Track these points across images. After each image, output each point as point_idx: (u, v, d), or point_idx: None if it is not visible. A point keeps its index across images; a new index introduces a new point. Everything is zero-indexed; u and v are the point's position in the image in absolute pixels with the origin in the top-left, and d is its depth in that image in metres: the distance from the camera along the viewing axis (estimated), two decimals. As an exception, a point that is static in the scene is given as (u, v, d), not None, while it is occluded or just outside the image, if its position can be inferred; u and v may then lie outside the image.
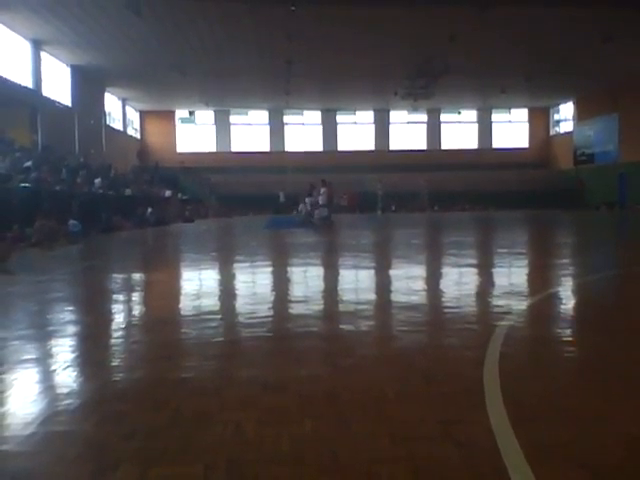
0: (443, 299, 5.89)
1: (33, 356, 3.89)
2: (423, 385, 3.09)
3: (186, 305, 5.94)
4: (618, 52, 26.97)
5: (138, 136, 43.70)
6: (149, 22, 22.10)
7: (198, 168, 41.35)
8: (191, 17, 22.20)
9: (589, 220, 25.98)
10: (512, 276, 7.73)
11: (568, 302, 5.94)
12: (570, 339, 4.24)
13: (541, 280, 7.35)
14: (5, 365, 3.60)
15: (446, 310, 5.23)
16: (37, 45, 25.23)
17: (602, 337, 4.19)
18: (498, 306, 5.29)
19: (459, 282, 7.09)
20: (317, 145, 45.85)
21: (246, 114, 45.12)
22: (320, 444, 2.37)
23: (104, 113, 34.81)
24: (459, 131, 46.72)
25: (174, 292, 7.10)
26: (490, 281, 7.25)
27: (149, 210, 24.39)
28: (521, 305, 5.28)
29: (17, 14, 21.45)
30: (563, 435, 2.41)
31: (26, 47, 24.81)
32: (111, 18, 21.97)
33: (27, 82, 25.04)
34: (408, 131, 46.38)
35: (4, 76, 22.96)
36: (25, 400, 2.99)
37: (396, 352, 3.86)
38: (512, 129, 47.22)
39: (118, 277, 8.39)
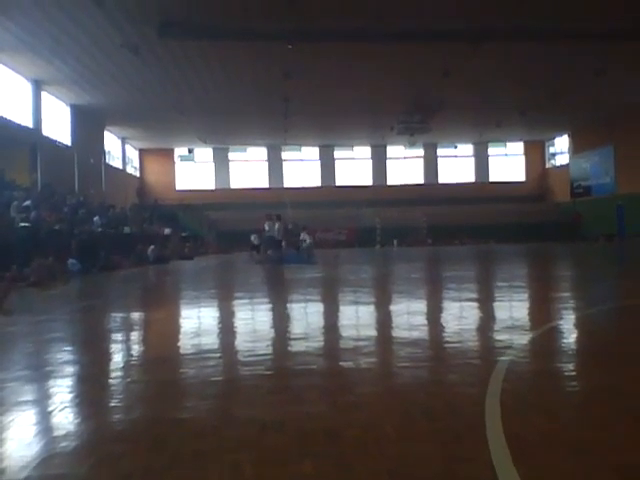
0: (444, 334, 5.85)
1: (30, 397, 3.85)
2: (424, 422, 3.06)
3: (184, 344, 5.89)
4: (611, 85, 27.35)
5: (137, 174, 44.00)
6: (148, 61, 22.47)
7: (197, 205, 41.53)
8: (189, 56, 22.58)
9: (588, 252, 26.00)
10: (512, 310, 7.71)
11: (569, 336, 5.91)
12: (571, 373, 4.22)
13: (541, 314, 7.33)
14: (2, 407, 3.57)
15: (447, 345, 5.21)
16: (37, 85, 25.57)
17: (603, 371, 4.17)
18: (499, 340, 5.26)
19: (459, 316, 7.06)
20: (315, 180, 46.17)
21: (245, 151, 45.54)
22: (320, 484, 2.34)
23: (104, 152, 35.09)
24: (456, 165, 47.10)
25: (173, 331, 7.06)
26: (490, 315, 7.22)
27: (151, 247, 24.30)
28: (522, 339, 5.25)
29: (18, 55, 21.80)
30: (564, 470, 2.38)
31: (27, 87, 25.14)
32: (111, 58, 22.34)
33: (27, 121, 25.30)
34: (405, 166, 46.76)
35: (5, 116, 23.21)
36: (21, 442, 2.96)
37: (397, 389, 3.84)
38: (508, 162, 47.61)
39: (117, 316, 8.33)
